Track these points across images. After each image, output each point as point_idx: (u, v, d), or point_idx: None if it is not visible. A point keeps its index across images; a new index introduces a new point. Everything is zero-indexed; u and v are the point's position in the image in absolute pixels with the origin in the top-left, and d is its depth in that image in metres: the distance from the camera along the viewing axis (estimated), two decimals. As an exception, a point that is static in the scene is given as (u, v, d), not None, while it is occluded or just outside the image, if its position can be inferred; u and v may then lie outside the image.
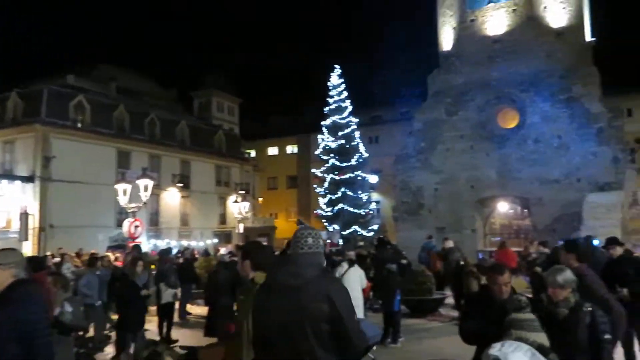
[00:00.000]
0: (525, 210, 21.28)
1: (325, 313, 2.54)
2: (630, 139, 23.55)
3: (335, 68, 22.96)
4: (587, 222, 17.26)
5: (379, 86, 28.99)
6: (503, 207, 22.65)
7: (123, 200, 14.31)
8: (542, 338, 2.91)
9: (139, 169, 19.65)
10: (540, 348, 2.65)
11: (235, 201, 26.09)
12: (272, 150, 47.70)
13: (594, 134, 18.85)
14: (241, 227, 25.75)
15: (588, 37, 21.86)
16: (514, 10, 21.20)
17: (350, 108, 22.44)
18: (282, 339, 2.57)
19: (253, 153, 45.32)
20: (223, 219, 36.28)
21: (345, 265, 8.05)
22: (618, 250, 6.89)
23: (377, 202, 38.17)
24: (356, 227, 20.57)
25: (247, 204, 26.58)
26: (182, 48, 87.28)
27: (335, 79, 22.87)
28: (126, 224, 13.59)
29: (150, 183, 15.22)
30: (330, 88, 22.67)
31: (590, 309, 3.68)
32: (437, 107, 22.22)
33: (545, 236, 17.77)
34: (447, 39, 23.16)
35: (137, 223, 13.74)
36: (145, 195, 14.89)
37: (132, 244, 12.70)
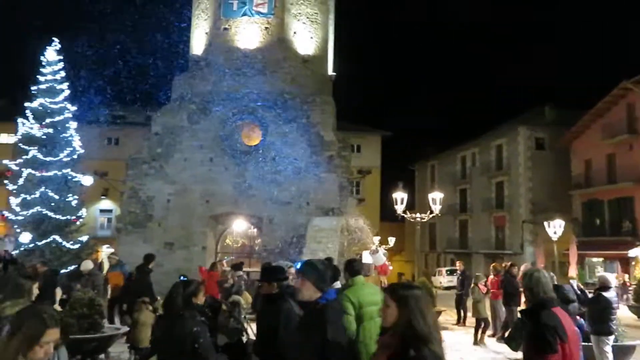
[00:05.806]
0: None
1: None
2: (355, 172, 25.74)
3: (53, 41, 18.69)
4: (310, 245, 17.67)
5: (127, 84, 25.76)
6: (240, 225, 22.00)
7: None
8: None
9: None
10: None
11: None
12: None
13: (325, 160, 19.64)
14: None
15: (330, 70, 23.28)
16: (266, 28, 21.11)
17: (67, 92, 18.46)
18: None
19: None
20: None
21: None
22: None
23: (110, 211, 34.29)
24: (56, 237, 16.84)
25: None
26: None
27: (52, 54, 18.47)
28: None
29: None
30: (43, 64, 18.33)
31: None
32: (180, 113, 20.44)
33: (275, 257, 17.57)
34: (198, 43, 21.79)
35: None
36: None
37: None
